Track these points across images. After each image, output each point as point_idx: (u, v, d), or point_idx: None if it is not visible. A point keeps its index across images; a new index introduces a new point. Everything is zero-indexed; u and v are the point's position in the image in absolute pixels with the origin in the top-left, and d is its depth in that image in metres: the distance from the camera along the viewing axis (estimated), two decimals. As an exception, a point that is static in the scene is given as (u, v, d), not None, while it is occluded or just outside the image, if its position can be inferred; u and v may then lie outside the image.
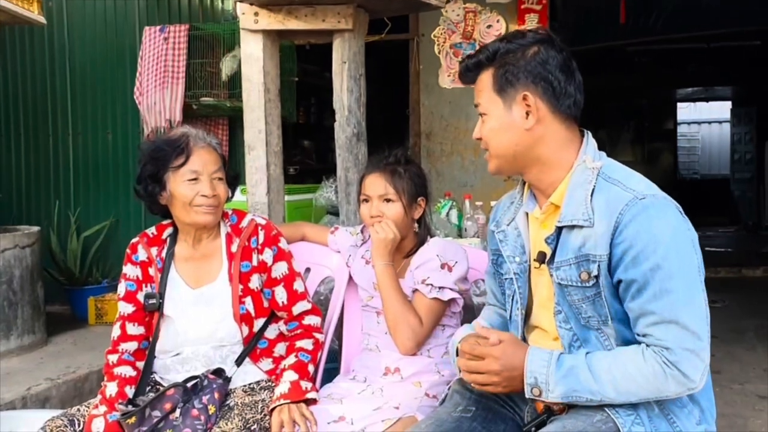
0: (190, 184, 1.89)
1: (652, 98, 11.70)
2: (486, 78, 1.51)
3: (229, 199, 2.00)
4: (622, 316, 1.42)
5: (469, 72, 1.55)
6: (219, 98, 4.23)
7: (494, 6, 4.42)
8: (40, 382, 3.28)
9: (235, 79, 4.00)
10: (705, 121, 15.41)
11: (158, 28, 4.35)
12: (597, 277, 1.40)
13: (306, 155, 6.23)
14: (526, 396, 1.43)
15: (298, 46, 4.75)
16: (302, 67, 5.03)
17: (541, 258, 1.52)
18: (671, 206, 1.40)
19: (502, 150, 1.51)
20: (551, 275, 1.50)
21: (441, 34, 4.32)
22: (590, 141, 1.51)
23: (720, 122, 14.93)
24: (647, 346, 1.37)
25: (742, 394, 3.53)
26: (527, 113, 1.46)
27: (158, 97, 4.21)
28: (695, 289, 1.36)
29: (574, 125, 1.51)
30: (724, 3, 5.71)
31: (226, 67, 4.16)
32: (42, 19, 3.98)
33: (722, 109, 13.84)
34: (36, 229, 4.00)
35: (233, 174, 2.04)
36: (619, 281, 1.39)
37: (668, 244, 1.34)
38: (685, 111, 14.15)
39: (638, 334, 1.39)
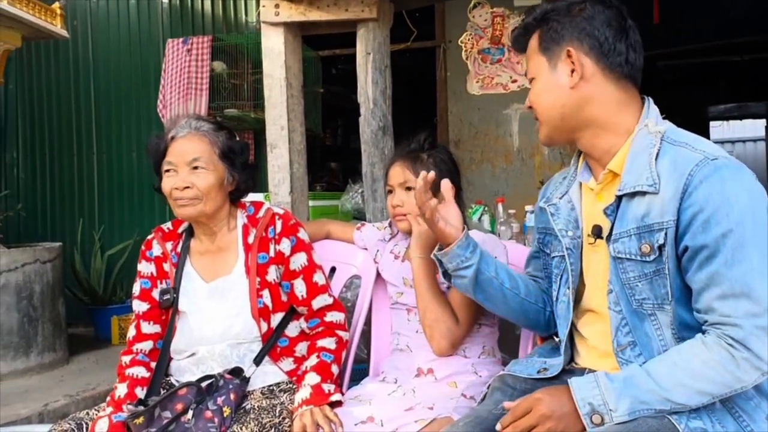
0: (167, 177, 1.78)
1: (684, 117, 11.38)
2: (534, 41, 1.45)
3: (249, 190, 1.89)
4: (685, 294, 1.27)
5: (520, 38, 1.49)
6: (243, 109, 4.15)
7: (522, 9, 4.30)
8: (59, 399, 3.17)
9: (259, 90, 3.93)
10: (739, 140, 15.08)
11: (181, 40, 4.32)
12: (661, 248, 1.26)
13: (333, 176, 6.16)
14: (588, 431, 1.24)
15: (325, 69, 4.68)
16: (329, 89, 4.96)
17: (597, 232, 1.40)
18: (746, 169, 1.27)
19: (548, 113, 1.42)
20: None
21: (468, 39, 4.20)
22: (652, 106, 1.41)
23: (755, 141, 14.59)
24: (709, 327, 1.22)
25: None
26: (572, 71, 1.38)
27: (182, 109, 4.15)
28: None
29: (632, 87, 1.40)
30: (753, 9, 5.54)
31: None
32: (65, 33, 3.97)
33: (756, 127, 13.54)
34: (57, 244, 3.93)
35: (242, 159, 1.85)
36: (686, 249, 1.24)
37: (743, 208, 1.20)
38: (718, 130, 13.84)
39: (699, 311, 1.24)
